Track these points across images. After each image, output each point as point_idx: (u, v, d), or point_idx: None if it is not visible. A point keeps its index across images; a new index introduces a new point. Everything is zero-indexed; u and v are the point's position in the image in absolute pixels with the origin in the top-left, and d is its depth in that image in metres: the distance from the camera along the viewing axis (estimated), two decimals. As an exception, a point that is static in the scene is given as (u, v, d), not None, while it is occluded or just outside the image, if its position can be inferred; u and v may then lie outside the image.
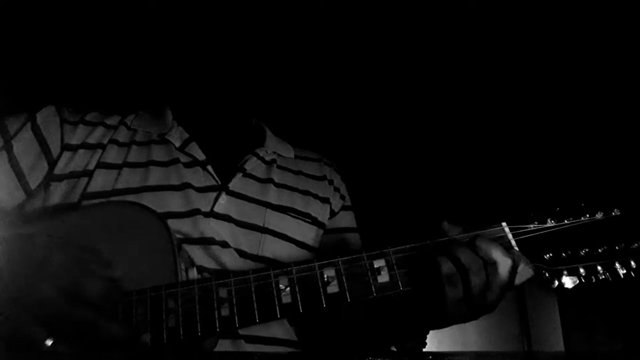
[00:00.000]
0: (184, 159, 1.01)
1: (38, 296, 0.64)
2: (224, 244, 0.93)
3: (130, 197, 0.92)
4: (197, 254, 0.90)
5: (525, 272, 0.76)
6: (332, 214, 1.15)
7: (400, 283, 0.76)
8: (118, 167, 0.96)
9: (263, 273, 0.77)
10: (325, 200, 1.13)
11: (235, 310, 0.74)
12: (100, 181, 0.94)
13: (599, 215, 0.77)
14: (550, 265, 0.78)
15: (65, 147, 0.97)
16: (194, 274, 0.85)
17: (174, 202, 0.94)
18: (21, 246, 0.70)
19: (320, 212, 1.11)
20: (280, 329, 0.96)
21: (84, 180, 0.94)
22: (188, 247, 0.89)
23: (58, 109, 1.02)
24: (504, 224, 0.80)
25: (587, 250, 0.77)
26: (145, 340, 0.70)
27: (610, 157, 1.75)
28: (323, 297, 0.75)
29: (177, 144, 1.03)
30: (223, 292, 0.75)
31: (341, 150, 1.41)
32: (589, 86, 1.90)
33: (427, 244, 0.78)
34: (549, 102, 2.02)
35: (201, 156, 1.02)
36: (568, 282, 0.79)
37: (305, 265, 0.77)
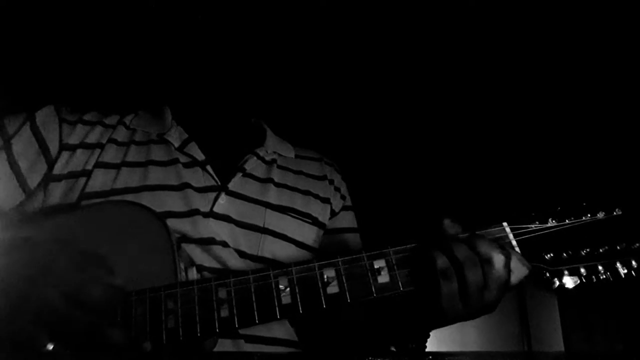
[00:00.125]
0: (183, 159, 1.01)
1: (41, 300, 0.64)
2: (224, 244, 0.93)
3: (129, 197, 0.91)
4: (196, 254, 0.90)
5: (520, 269, 0.76)
6: (333, 214, 1.14)
7: (400, 283, 0.76)
8: (116, 166, 0.96)
9: (262, 273, 0.76)
10: (325, 201, 1.13)
11: (234, 311, 0.73)
12: (99, 181, 0.93)
13: (600, 215, 0.76)
14: (551, 265, 0.78)
15: (63, 146, 0.97)
16: (193, 273, 0.85)
17: (173, 202, 0.93)
18: (24, 249, 0.70)
19: (321, 212, 1.11)
20: (280, 329, 0.96)
21: (83, 180, 0.94)
22: (187, 247, 0.89)
23: (57, 108, 1.01)
24: (504, 223, 0.80)
25: (588, 250, 0.77)
26: (147, 349, 0.70)
27: (611, 157, 1.75)
28: (323, 298, 0.75)
29: (177, 144, 1.02)
30: (222, 293, 0.75)
31: (342, 150, 1.41)
32: (590, 86, 1.90)
33: (425, 240, 0.78)
34: (551, 101, 2.02)
35: (200, 156, 1.01)
36: (569, 282, 0.79)
37: (305, 266, 0.77)
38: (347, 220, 1.17)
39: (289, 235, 1.02)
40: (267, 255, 0.97)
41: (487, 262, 0.73)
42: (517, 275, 0.75)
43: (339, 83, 2.08)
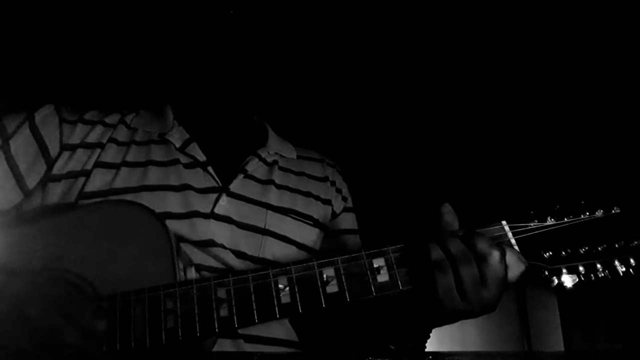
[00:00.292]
0: (184, 159, 1.00)
1: (14, 348, 0.64)
2: (224, 246, 0.93)
3: (129, 197, 0.91)
4: (195, 254, 0.90)
5: (516, 265, 0.76)
6: (334, 215, 1.14)
7: (400, 282, 0.76)
8: (116, 166, 0.96)
9: (262, 273, 0.76)
10: (327, 202, 1.13)
11: (234, 311, 0.73)
12: (98, 180, 0.93)
13: (598, 213, 0.77)
14: (550, 264, 0.78)
15: (64, 147, 0.96)
16: (192, 273, 0.85)
17: (172, 202, 0.93)
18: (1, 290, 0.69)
19: (322, 213, 1.10)
20: (280, 329, 0.96)
21: (82, 179, 0.93)
22: (186, 248, 0.89)
23: (57, 107, 1.01)
24: (503, 222, 0.80)
25: (587, 248, 0.77)
26: None
27: (610, 155, 1.75)
28: (322, 297, 0.75)
29: (178, 144, 1.02)
30: (222, 293, 0.75)
31: (342, 150, 1.41)
32: (588, 85, 1.90)
33: (422, 236, 0.78)
34: (549, 100, 2.02)
35: (202, 157, 1.01)
36: (568, 280, 0.79)
37: (304, 265, 0.77)
38: (348, 221, 1.17)
39: (290, 236, 1.01)
40: (268, 256, 0.97)
41: (482, 258, 0.73)
42: (513, 271, 0.75)
43: (340, 83, 2.08)
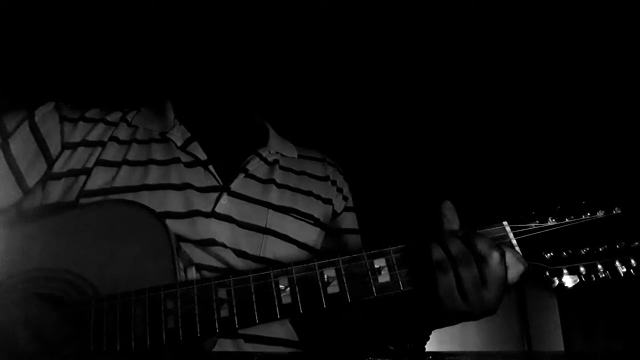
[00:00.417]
0: (185, 158, 1.00)
1: None
2: (224, 245, 0.93)
3: (129, 196, 0.91)
4: (196, 254, 0.90)
5: (516, 266, 0.76)
6: (335, 215, 1.14)
7: (401, 283, 0.76)
8: (117, 164, 0.96)
9: (262, 273, 0.76)
10: (327, 201, 1.13)
11: (234, 311, 0.73)
12: (99, 179, 0.93)
13: (600, 214, 0.76)
14: (551, 265, 0.78)
15: (65, 145, 0.96)
16: (192, 273, 0.84)
17: (173, 202, 0.93)
18: None
19: (322, 213, 1.10)
20: (280, 329, 0.96)
21: (83, 178, 0.93)
22: (187, 247, 0.89)
23: (57, 106, 1.01)
24: (505, 222, 0.80)
25: (588, 249, 0.77)
26: None
27: (611, 156, 1.75)
28: (323, 298, 0.75)
29: (179, 143, 1.02)
30: (222, 293, 0.74)
31: (343, 149, 1.41)
32: (590, 85, 1.90)
33: (423, 236, 0.78)
34: (550, 101, 2.02)
35: (203, 156, 1.01)
36: (568, 281, 0.79)
37: (305, 265, 0.77)
38: (348, 221, 1.17)
39: (291, 235, 1.01)
40: (269, 255, 0.97)
41: (482, 258, 0.73)
42: (513, 271, 0.75)
43: (340, 83, 2.08)
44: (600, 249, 0.76)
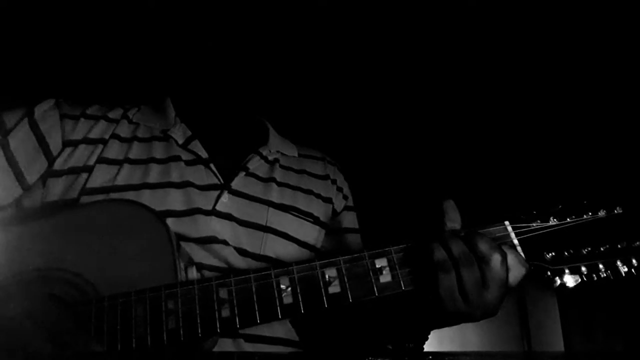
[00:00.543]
0: (186, 156, 1.00)
1: None
2: (225, 243, 0.93)
3: (130, 194, 0.91)
4: (196, 252, 0.90)
5: (518, 268, 0.76)
6: (335, 213, 1.14)
7: (402, 282, 0.76)
8: (119, 163, 0.95)
9: (264, 273, 0.76)
10: (327, 200, 1.13)
11: (236, 311, 0.73)
12: (100, 177, 0.93)
13: (601, 213, 0.76)
14: (553, 265, 0.78)
15: (66, 142, 0.96)
16: (193, 273, 0.84)
17: (174, 200, 0.93)
18: None
19: (322, 211, 1.10)
20: (280, 328, 0.96)
21: (84, 175, 0.93)
22: (187, 246, 0.89)
23: (57, 103, 1.00)
24: (506, 222, 0.79)
25: (589, 248, 0.77)
26: None
27: (612, 155, 1.75)
28: (325, 298, 0.74)
29: (180, 141, 1.02)
30: (223, 293, 0.74)
31: (344, 149, 1.41)
32: (591, 84, 1.90)
33: (424, 236, 0.78)
34: (552, 100, 2.02)
35: (204, 154, 1.01)
36: (570, 280, 0.79)
37: (307, 265, 0.77)
38: (348, 220, 1.17)
39: (291, 234, 1.01)
40: (270, 254, 0.97)
41: (483, 260, 0.72)
42: (515, 274, 0.75)
43: (341, 82, 2.08)
44: (602, 249, 0.76)
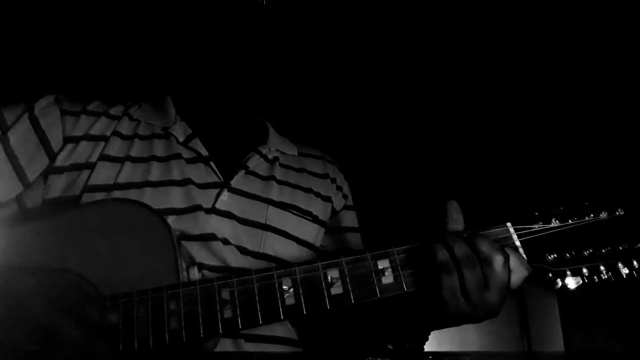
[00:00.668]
0: (186, 154, 1.00)
1: (8, 343, 0.64)
2: (225, 241, 0.93)
3: (132, 192, 0.91)
4: (197, 251, 0.90)
5: (520, 271, 0.76)
6: (334, 212, 1.14)
7: (404, 284, 0.76)
8: (120, 160, 0.95)
9: (266, 273, 0.76)
10: (327, 199, 1.13)
11: (238, 312, 0.73)
12: (103, 174, 0.93)
13: (603, 215, 0.76)
14: (554, 266, 0.78)
15: (67, 139, 0.95)
16: (194, 273, 0.84)
17: (175, 197, 0.93)
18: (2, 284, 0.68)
19: (322, 210, 1.11)
20: (279, 327, 0.96)
21: (86, 172, 0.93)
22: (188, 245, 0.89)
23: (57, 99, 1.00)
24: (508, 224, 0.79)
25: (591, 250, 0.77)
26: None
27: (614, 157, 1.75)
28: (327, 299, 0.74)
29: (181, 139, 1.02)
30: (225, 294, 0.74)
31: (344, 149, 1.41)
32: (593, 86, 1.90)
33: (427, 237, 0.78)
34: (553, 102, 2.02)
35: (204, 152, 1.01)
36: (571, 282, 0.79)
37: (309, 266, 0.76)
38: (348, 219, 1.17)
39: (290, 232, 1.02)
40: (269, 252, 0.97)
41: (486, 262, 0.73)
42: (517, 276, 0.76)
43: (341, 82, 2.08)
44: (603, 251, 0.76)
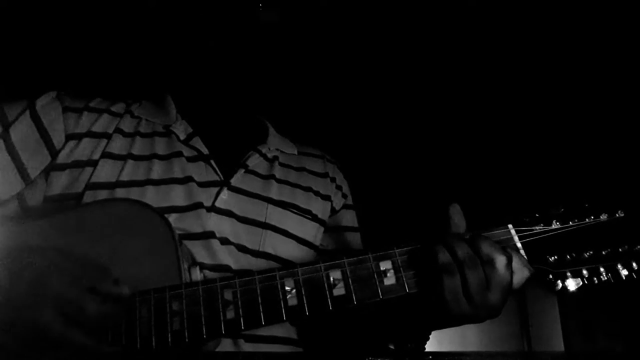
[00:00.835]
0: (187, 152, 1.00)
1: (33, 320, 0.65)
2: (225, 240, 0.93)
3: (135, 190, 0.91)
4: (198, 250, 0.90)
5: (522, 271, 0.76)
6: (333, 211, 1.14)
7: (406, 285, 0.76)
8: (123, 158, 0.95)
9: (268, 274, 0.76)
10: (326, 198, 1.13)
11: (240, 313, 0.73)
12: (105, 172, 0.92)
13: (603, 217, 0.77)
14: (555, 268, 0.78)
15: (69, 136, 0.95)
16: (196, 273, 0.84)
17: (177, 196, 0.93)
18: (17, 264, 0.69)
19: (321, 209, 1.11)
20: (279, 327, 0.96)
21: (89, 170, 0.92)
22: (189, 243, 0.89)
23: (59, 96, 0.99)
24: (510, 225, 0.80)
25: (591, 252, 0.77)
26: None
27: (614, 159, 1.75)
28: (329, 300, 0.74)
29: (182, 137, 1.02)
30: (228, 294, 0.74)
31: (344, 149, 1.41)
32: (594, 87, 1.90)
33: (429, 238, 0.78)
34: (554, 103, 2.02)
35: (205, 150, 1.01)
36: (571, 284, 0.79)
37: (311, 267, 0.77)
38: (347, 218, 1.17)
39: (290, 230, 1.02)
40: (269, 250, 0.97)
41: (488, 263, 0.73)
42: (519, 276, 0.76)
43: (342, 82, 2.08)
44: (604, 252, 0.77)
